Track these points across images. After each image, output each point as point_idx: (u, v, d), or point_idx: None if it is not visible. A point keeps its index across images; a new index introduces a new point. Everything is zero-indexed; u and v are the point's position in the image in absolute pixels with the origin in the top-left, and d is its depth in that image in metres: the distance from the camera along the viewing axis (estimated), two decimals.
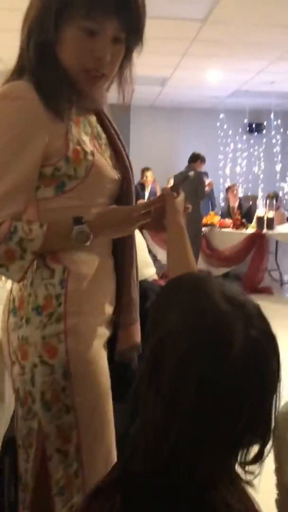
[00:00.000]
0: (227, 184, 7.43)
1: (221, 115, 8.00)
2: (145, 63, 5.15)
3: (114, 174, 1.03)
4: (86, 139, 0.98)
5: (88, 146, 0.97)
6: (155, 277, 1.91)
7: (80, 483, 0.99)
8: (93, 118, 1.04)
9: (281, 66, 5.46)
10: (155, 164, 7.31)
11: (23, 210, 0.94)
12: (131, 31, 0.93)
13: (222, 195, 7.71)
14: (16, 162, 0.91)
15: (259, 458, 0.60)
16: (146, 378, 0.60)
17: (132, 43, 0.97)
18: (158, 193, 7.33)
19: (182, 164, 7.52)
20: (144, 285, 1.68)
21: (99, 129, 1.05)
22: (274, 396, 0.59)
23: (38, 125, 0.92)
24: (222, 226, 5.75)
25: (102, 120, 1.06)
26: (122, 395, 1.23)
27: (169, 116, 8.55)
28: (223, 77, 6.11)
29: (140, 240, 1.90)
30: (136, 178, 6.79)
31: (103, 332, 1.04)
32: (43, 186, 0.96)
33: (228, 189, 6.85)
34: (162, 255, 5.65)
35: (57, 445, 0.98)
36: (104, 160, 1.01)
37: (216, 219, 5.88)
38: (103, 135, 1.05)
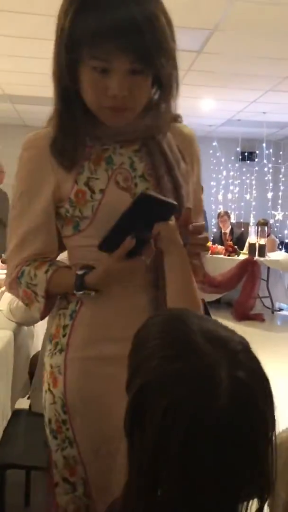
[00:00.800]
0: (219, 210, 7.49)
1: (214, 143, 8.12)
2: None
3: None
4: (102, 176, 0.97)
5: (99, 184, 0.96)
6: None
7: None
8: (128, 149, 1.00)
9: (273, 97, 5.59)
10: None
11: (41, 250, 1.00)
12: (146, 62, 0.87)
13: (214, 221, 7.76)
14: (29, 210, 0.99)
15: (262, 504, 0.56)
16: (127, 431, 0.57)
17: (156, 71, 0.90)
18: None
19: None
20: None
21: (136, 159, 0.99)
22: (269, 444, 0.55)
23: (47, 172, 0.98)
24: (213, 252, 5.76)
25: (148, 149, 1.00)
26: None
27: None
28: (216, 106, 6.24)
29: None
30: None
31: (111, 372, 0.94)
32: (64, 225, 1.01)
33: (219, 216, 6.90)
34: None
35: (63, 474, 1.00)
36: (120, 196, 0.96)
37: (208, 245, 5.90)
38: (140, 165, 0.99)
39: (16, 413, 1.74)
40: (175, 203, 0.91)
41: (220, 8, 3.23)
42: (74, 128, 0.95)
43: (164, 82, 0.94)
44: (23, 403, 1.87)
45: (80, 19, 0.84)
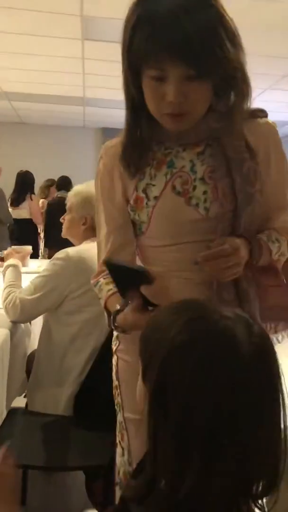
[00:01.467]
0: None
1: None
2: None
3: (191, 213, 1.00)
4: (159, 182, 1.02)
5: (155, 191, 1.02)
6: None
7: None
8: (191, 152, 1.02)
9: (272, 96, 5.58)
10: None
11: (120, 246, 1.10)
12: (199, 68, 0.89)
13: None
14: (106, 216, 1.10)
15: (270, 489, 0.60)
16: (153, 406, 0.60)
17: (212, 76, 0.92)
18: None
19: None
20: None
21: (198, 162, 1.01)
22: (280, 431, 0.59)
23: (116, 178, 1.07)
24: None
25: (212, 151, 1.01)
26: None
27: None
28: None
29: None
30: None
31: None
32: (133, 226, 1.09)
33: None
34: None
35: (118, 437, 1.14)
36: (173, 201, 1.01)
37: None
38: (201, 168, 1.01)
39: (12, 412, 1.73)
40: (142, 271, 0.93)
41: None
42: (140, 137, 1.01)
43: (224, 85, 0.96)
44: (20, 402, 1.86)
45: (137, 34, 0.90)
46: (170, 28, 0.86)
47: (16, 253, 2.30)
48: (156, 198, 1.02)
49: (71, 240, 1.90)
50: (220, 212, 0.99)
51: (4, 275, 1.94)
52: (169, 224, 1.02)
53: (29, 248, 2.64)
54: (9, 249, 2.38)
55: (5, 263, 2.03)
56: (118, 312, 1.00)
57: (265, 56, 4.28)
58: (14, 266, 1.95)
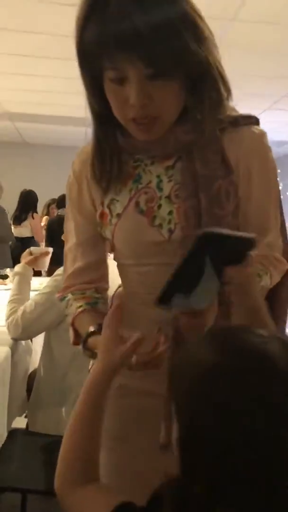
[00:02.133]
0: None
1: None
2: None
3: (153, 234, 0.91)
4: (123, 198, 0.93)
5: (118, 208, 0.93)
6: None
7: None
8: (160, 166, 0.92)
9: (271, 116, 5.64)
10: None
11: (90, 260, 1.02)
12: (158, 66, 0.80)
13: None
14: (75, 226, 1.01)
15: None
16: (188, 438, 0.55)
17: (177, 75, 0.82)
18: None
19: None
20: None
21: (165, 178, 0.92)
22: None
23: (84, 186, 0.98)
24: None
25: (183, 165, 0.91)
26: None
27: None
28: None
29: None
30: None
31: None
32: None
33: None
34: None
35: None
36: (136, 220, 0.91)
37: None
38: (168, 185, 0.91)
39: (13, 433, 1.69)
40: (253, 236, 0.70)
41: (217, 28, 3.27)
42: (110, 150, 0.92)
43: (194, 86, 0.85)
44: (21, 422, 1.82)
45: (86, 34, 0.82)
46: (120, 27, 0.77)
47: (30, 255, 2.07)
48: (118, 215, 0.93)
49: None
50: (184, 236, 0.88)
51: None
52: (131, 244, 0.93)
53: (45, 249, 2.28)
54: (27, 250, 2.14)
55: (14, 269, 1.97)
56: (91, 334, 0.92)
57: (264, 77, 4.34)
58: (21, 275, 1.89)
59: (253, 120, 0.95)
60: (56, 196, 6.42)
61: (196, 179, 0.89)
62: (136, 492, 0.78)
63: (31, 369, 1.93)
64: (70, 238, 1.03)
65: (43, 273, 2.94)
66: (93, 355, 0.94)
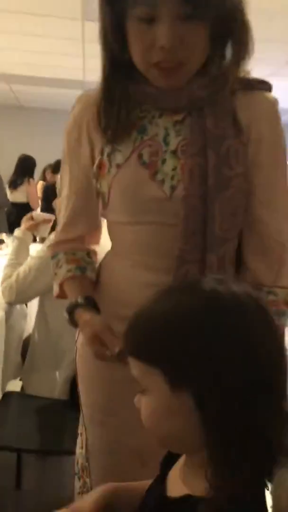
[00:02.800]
0: None
1: None
2: None
3: (153, 190, 0.86)
4: (126, 148, 0.88)
5: (118, 158, 0.88)
6: None
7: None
8: (168, 119, 0.88)
9: (274, 82, 5.50)
10: None
11: (83, 233, 1.01)
12: (197, 3, 0.75)
13: None
14: (70, 175, 0.98)
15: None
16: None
17: (209, 17, 0.78)
18: None
19: None
20: None
21: (173, 132, 0.87)
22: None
23: (84, 132, 0.93)
24: None
25: (190, 121, 0.86)
26: None
27: None
28: None
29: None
30: None
31: None
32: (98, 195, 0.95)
33: None
34: None
35: (80, 429, 1.06)
36: (137, 173, 0.86)
37: None
38: (175, 140, 0.87)
39: (7, 395, 1.71)
40: None
41: None
42: (119, 97, 0.87)
43: (222, 32, 0.81)
44: (15, 385, 1.84)
45: None
46: None
47: (31, 220, 2.00)
48: (118, 166, 0.88)
49: None
50: (186, 195, 0.85)
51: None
52: (128, 198, 0.88)
53: (45, 216, 2.16)
54: (28, 215, 2.06)
55: (14, 233, 1.93)
56: (77, 305, 0.92)
57: (269, 41, 4.20)
58: (20, 240, 1.86)
59: (267, 86, 0.93)
60: (52, 161, 6.33)
61: (205, 136, 0.84)
62: (130, 468, 0.78)
63: (25, 334, 1.94)
64: (64, 187, 1.00)
65: (38, 239, 2.91)
66: (75, 326, 0.95)
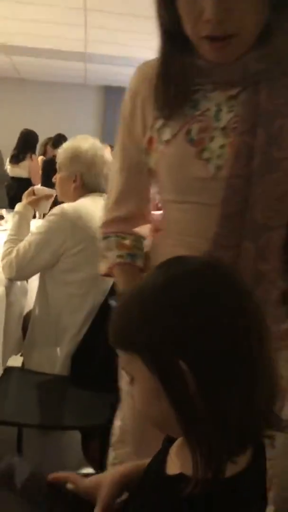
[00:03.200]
0: None
1: None
2: (140, 45, 4.96)
3: (198, 169, 0.82)
4: (176, 123, 0.84)
5: (167, 134, 0.85)
6: None
7: None
8: (222, 94, 0.83)
9: None
10: None
11: (133, 213, 0.98)
12: None
13: None
14: (122, 149, 0.95)
15: None
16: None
17: None
18: None
19: None
20: None
21: (225, 108, 0.82)
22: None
23: (138, 104, 0.90)
24: None
25: (248, 96, 0.81)
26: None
27: None
28: None
29: None
30: None
31: None
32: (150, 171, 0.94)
33: None
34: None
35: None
36: (184, 150, 0.83)
37: None
38: (227, 116, 0.82)
39: (8, 371, 1.71)
40: None
41: None
42: (175, 69, 0.84)
43: (280, 2, 0.75)
44: (16, 361, 1.85)
45: None
46: None
47: (33, 195, 1.94)
48: (166, 142, 0.85)
49: (64, 200, 1.81)
50: (230, 176, 0.80)
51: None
52: (173, 177, 0.86)
53: (47, 191, 2.06)
54: (29, 189, 1.99)
55: (15, 208, 1.88)
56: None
57: None
58: (21, 215, 1.82)
59: None
60: (53, 135, 6.25)
61: (257, 112, 0.79)
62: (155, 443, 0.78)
63: (26, 310, 1.93)
64: (115, 162, 0.97)
65: (37, 215, 2.86)
66: None
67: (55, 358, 1.66)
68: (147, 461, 0.69)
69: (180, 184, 0.86)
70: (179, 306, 0.54)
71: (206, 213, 0.83)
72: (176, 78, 0.84)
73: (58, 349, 1.67)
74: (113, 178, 0.98)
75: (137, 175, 0.94)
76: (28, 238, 1.67)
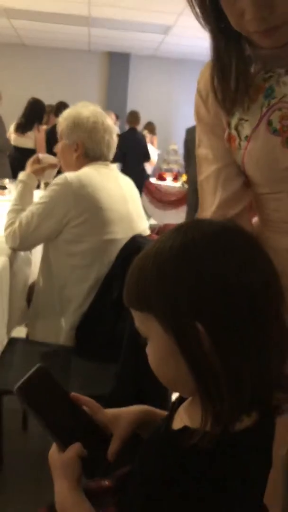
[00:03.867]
0: None
1: None
2: (146, 8, 4.83)
3: (287, 158, 0.80)
4: (253, 117, 0.81)
5: (247, 129, 0.82)
6: (148, 231, 1.81)
7: None
8: None
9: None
10: (152, 117, 7.06)
11: (236, 189, 0.91)
12: None
13: None
14: (213, 150, 0.90)
15: None
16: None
17: None
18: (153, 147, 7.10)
19: (181, 119, 7.19)
20: (138, 240, 1.58)
21: None
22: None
23: (211, 106, 0.87)
24: None
25: None
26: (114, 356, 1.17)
27: (171, 68, 8.21)
28: None
29: (134, 191, 1.79)
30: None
31: None
32: None
33: None
34: (157, 216, 5.54)
35: None
36: (268, 142, 0.80)
37: None
38: None
39: (13, 341, 1.71)
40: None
41: None
42: (233, 62, 0.80)
43: None
44: (21, 332, 1.85)
45: None
46: None
47: (37, 164, 1.88)
48: (247, 138, 0.82)
49: (67, 170, 1.76)
50: None
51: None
52: (262, 171, 0.83)
53: (52, 159, 1.96)
54: (34, 157, 1.93)
55: (19, 177, 1.84)
56: None
57: None
58: (25, 184, 1.79)
59: None
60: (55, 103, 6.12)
61: None
62: None
63: (30, 280, 1.92)
64: (206, 165, 0.91)
65: (41, 186, 2.80)
66: None
67: (60, 329, 1.66)
68: (164, 412, 0.72)
69: (270, 176, 0.83)
70: (196, 267, 0.55)
71: None
72: (236, 69, 0.81)
73: (62, 320, 1.66)
74: (206, 184, 0.92)
75: (236, 174, 0.90)
76: (31, 208, 1.64)
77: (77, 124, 1.67)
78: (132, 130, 5.75)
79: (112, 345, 1.25)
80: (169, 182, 5.99)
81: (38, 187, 3.73)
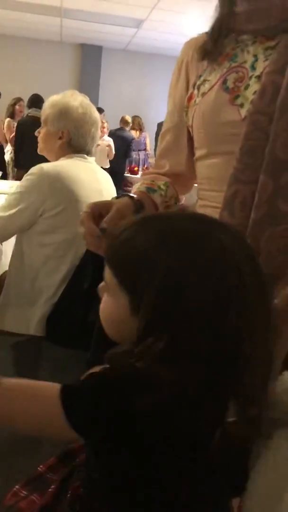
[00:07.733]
0: None
1: None
2: (119, 1, 4.84)
3: (230, 113, 0.85)
4: (215, 77, 0.89)
5: (206, 86, 0.90)
6: None
7: None
8: (261, 46, 0.85)
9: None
10: (124, 110, 7.06)
11: (173, 147, 1.03)
12: None
13: None
14: (168, 112, 1.02)
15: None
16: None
17: None
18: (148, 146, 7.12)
19: (151, 113, 7.23)
20: None
21: (261, 57, 0.84)
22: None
23: (183, 70, 0.97)
24: None
25: (284, 42, 0.81)
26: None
27: (142, 62, 8.22)
28: (202, 23, 5.86)
29: (110, 185, 1.82)
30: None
31: None
32: None
33: None
34: None
35: None
36: (218, 97, 0.86)
37: None
38: (262, 64, 0.83)
39: None
40: None
41: None
42: (219, 22, 0.90)
43: None
44: None
45: None
46: None
47: None
48: (203, 94, 0.90)
49: (47, 156, 1.79)
50: (252, 113, 0.80)
51: None
52: (205, 123, 0.89)
53: None
54: None
55: None
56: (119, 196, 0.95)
57: None
58: None
59: None
60: (25, 95, 6.05)
61: None
62: None
63: (1, 271, 1.92)
64: (164, 124, 1.04)
65: (10, 177, 2.80)
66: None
67: (30, 320, 1.67)
68: None
69: (212, 131, 0.89)
70: (169, 252, 0.59)
71: (230, 164, 0.83)
72: (219, 32, 0.90)
73: (33, 310, 1.68)
74: (160, 139, 1.05)
75: (176, 136, 1.01)
76: (6, 198, 1.65)
77: (64, 113, 1.68)
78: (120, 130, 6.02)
79: (82, 334, 1.28)
80: (140, 175, 6.03)
81: (5, 177, 3.69)
